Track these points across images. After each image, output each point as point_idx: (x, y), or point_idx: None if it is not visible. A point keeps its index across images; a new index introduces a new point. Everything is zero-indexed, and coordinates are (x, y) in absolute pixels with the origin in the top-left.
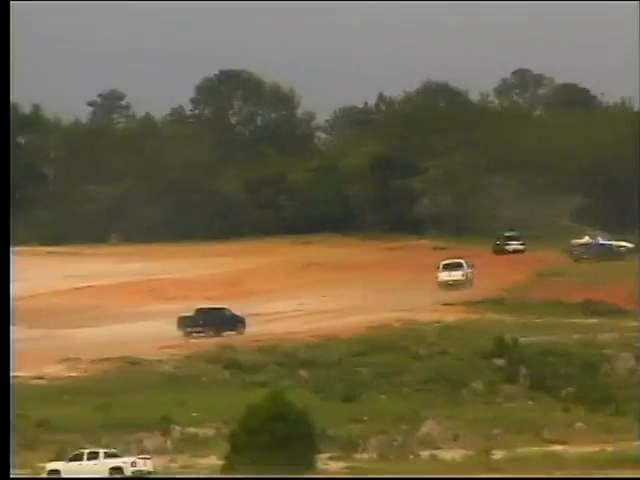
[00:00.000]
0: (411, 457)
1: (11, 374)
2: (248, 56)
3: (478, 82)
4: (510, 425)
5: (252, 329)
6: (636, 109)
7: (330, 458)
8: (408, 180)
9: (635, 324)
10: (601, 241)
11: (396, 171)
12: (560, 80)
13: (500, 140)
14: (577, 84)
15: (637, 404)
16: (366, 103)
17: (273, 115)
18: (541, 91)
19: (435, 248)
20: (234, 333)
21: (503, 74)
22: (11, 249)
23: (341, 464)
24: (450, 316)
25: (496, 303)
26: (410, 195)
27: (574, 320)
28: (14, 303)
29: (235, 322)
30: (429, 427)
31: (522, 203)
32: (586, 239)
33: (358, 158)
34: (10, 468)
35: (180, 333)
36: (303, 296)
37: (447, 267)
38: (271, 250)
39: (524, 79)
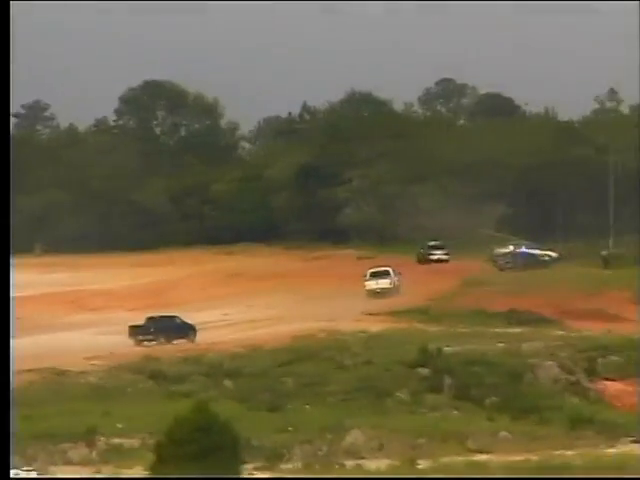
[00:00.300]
0: (336, 467)
1: (11, 374)
2: (171, 66)
3: (402, 92)
4: (435, 434)
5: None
6: (559, 118)
7: (255, 468)
8: (332, 190)
9: (560, 333)
10: (525, 250)
11: (320, 181)
12: (483, 89)
13: (424, 149)
14: (500, 93)
15: (561, 413)
16: (290, 113)
17: (197, 125)
18: (465, 100)
19: (359, 257)
20: (184, 341)
21: (427, 84)
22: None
23: (266, 474)
24: (375, 326)
25: (421, 312)
26: (334, 205)
27: (499, 329)
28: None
29: (186, 330)
30: (354, 437)
31: (446, 212)
32: (510, 248)
33: (282, 168)
34: (10, 468)
35: (131, 341)
36: (228, 306)
37: (374, 275)
38: (196, 260)
39: (448, 88)
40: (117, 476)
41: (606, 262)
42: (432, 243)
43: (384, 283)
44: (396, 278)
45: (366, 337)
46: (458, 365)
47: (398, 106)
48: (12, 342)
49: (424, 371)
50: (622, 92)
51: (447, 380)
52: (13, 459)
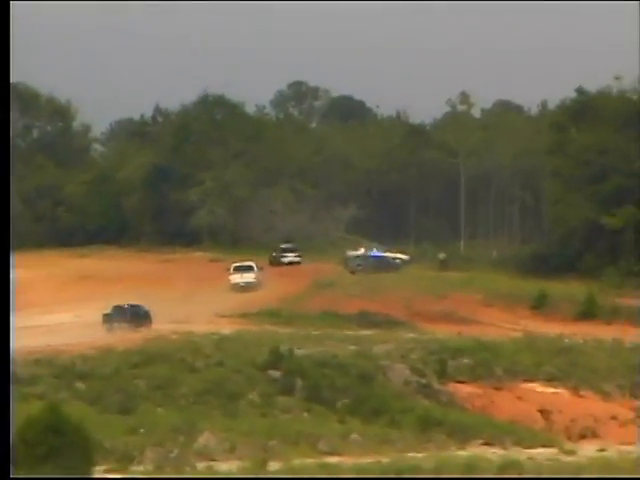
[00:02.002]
0: (187, 469)
1: (11, 374)
2: (24, 68)
3: (255, 94)
4: (286, 436)
5: (28, 341)
6: (411, 121)
7: (106, 470)
8: (184, 192)
9: (411, 335)
10: (376, 253)
11: (172, 183)
12: (336, 93)
13: (276, 152)
14: (352, 96)
15: (412, 415)
16: (142, 115)
17: (49, 127)
18: (317, 103)
19: (212, 260)
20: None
21: (279, 86)
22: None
23: (117, 476)
24: (227, 328)
25: (272, 314)
26: (186, 207)
27: (350, 332)
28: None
29: (147, 316)
30: (205, 439)
31: (298, 215)
32: (362, 251)
33: (134, 170)
34: (10, 468)
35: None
36: (79, 308)
37: (238, 269)
38: (47, 262)
39: (300, 91)
40: (117, 476)
41: (443, 265)
42: (284, 246)
43: (248, 277)
44: (259, 273)
45: (218, 339)
46: (309, 367)
47: (250, 108)
48: (12, 342)
49: (275, 373)
50: (474, 95)
51: (298, 382)
52: (13, 459)
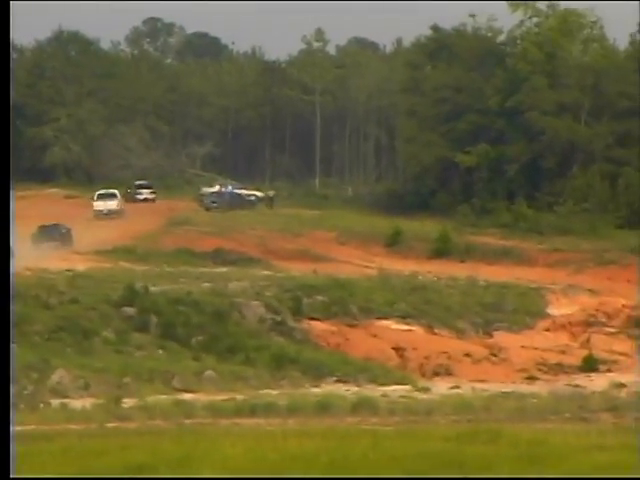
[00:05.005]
0: (42, 406)
1: (12, 374)
2: None
3: (110, 31)
4: (140, 374)
5: None
6: (266, 58)
7: None
8: (39, 128)
9: (266, 273)
10: (232, 190)
11: (27, 120)
12: (191, 29)
13: (131, 89)
14: (208, 33)
15: (266, 353)
16: None
17: None
18: (172, 40)
19: (67, 196)
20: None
21: (134, 22)
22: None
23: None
24: (81, 265)
25: (127, 252)
26: (41, 143)
27: (205, 269)
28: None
29: (70, 236)
30: (59, 376)
31: (153, 152)
32: (217, 188)
33: None
34: (10, 468)
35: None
36: None
37: (102, 197)
38: None
39: (155, 27)
40: (117, 476)
41: (269, 202)
42: (139, 182)
43: (112, 205)
44: (121, 201)
45: (72, 276)
46: (164, 304)
47: (106, 45)
48: (12, 341)
49: (130, 310)
50: (330, 32)
51: (153, 319)
52: (13, 459)
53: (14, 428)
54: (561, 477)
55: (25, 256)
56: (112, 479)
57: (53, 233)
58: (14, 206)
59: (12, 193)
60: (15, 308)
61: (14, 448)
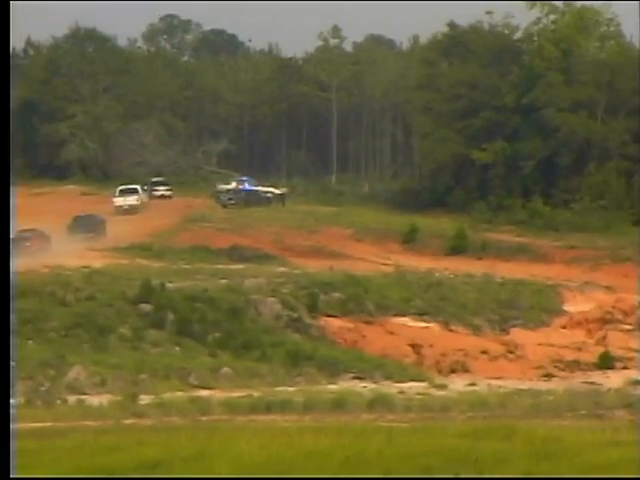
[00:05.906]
0: (58, 402)
1: (12, 374)
2: None
3: (126, 28)
4: (156, 370)
5: None
6: (282, 55)
7: None
8: (55, 125)
9: (282, 269)
10: (248, 187)
11: (43, 116)
12: (208, 26)
13: (147, 86)
14: (224, 30)
15: (282, 349)
16: (14, 48)
17: None
18: (188, 37)
19: (83, 193)
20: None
21: (151, 19)
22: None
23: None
24: (97, 262)
25: (144, 249)
26: (57, 140)
27: (221, 266)
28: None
29: (104, 225)
30: (76, 373)
31: (170, 149)
32: (233, 185)
33: None
34: (10, 468)
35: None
36: None
37: (123, 192)
38: None
39: (172, 25)
40: (117, 476)
41: (281, 200)
42: (155, 179)
43: (132, 200)
44: (143, 195)
45: (89, 272)
46: (180, 301)
47: (122, 42)
48: (12, 342)
49: (146, 307)
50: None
51: (169, 316)
52: (13, 460)
53: (14, 428)
54: (573, 477)
55: (62, 246)
56: (112, 479)
57: (89, 223)
58: (14, 205)
59: (12, 192)
60: (32, 305)
61: (14, 448)
